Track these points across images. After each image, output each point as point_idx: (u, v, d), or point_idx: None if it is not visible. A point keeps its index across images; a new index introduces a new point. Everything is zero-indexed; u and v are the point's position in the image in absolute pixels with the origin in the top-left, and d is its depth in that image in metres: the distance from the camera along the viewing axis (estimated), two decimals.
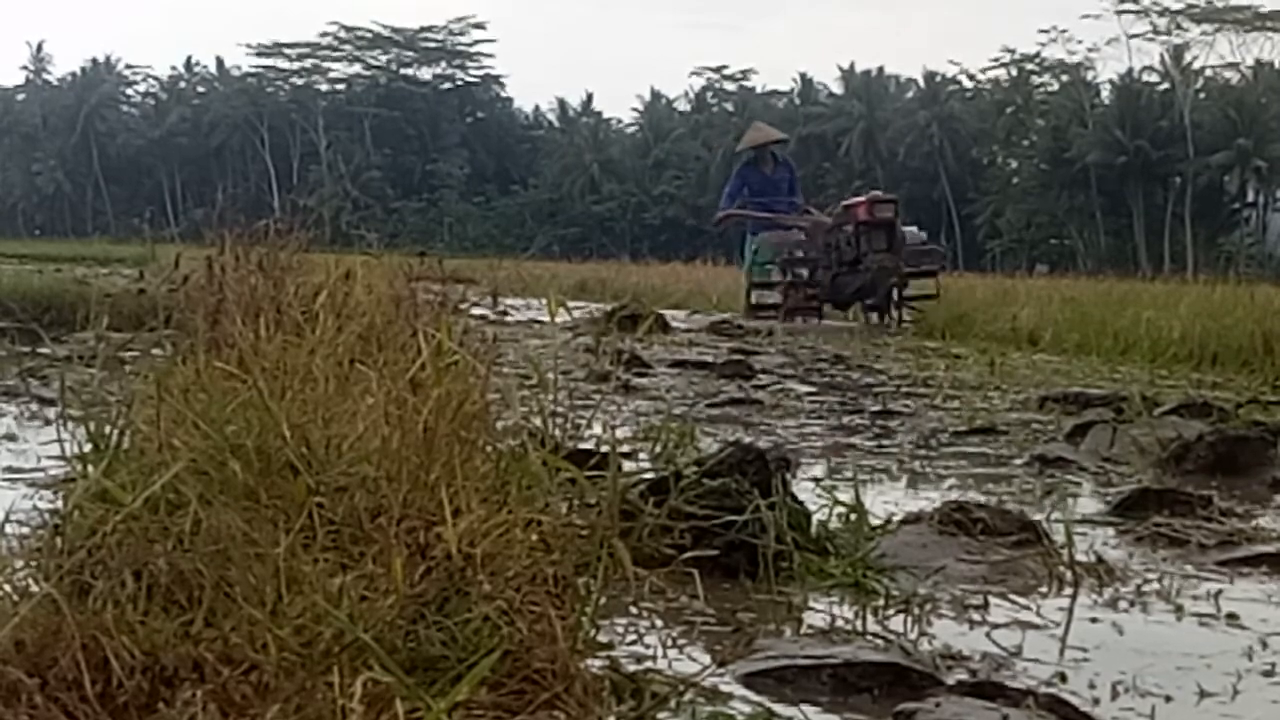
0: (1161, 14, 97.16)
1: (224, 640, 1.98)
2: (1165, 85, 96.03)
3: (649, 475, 3.42)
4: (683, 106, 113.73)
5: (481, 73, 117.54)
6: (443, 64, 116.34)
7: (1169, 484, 4.62)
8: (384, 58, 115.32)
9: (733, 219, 18.97)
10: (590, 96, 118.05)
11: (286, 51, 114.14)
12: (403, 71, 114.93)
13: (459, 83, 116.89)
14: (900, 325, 16.14)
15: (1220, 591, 3.32)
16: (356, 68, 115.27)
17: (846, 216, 16.95)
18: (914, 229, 17.37)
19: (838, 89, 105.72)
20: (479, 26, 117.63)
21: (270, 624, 2.02)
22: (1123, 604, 3.21)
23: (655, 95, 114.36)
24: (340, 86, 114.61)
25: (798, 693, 2.47)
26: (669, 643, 2.73)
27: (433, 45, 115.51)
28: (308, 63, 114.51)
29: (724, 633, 2.82)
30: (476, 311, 4.43)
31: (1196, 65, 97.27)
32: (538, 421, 3.30)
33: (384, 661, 1.98)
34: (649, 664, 2.52)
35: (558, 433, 3.31)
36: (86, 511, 2.39)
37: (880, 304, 16.60)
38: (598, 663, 2.36)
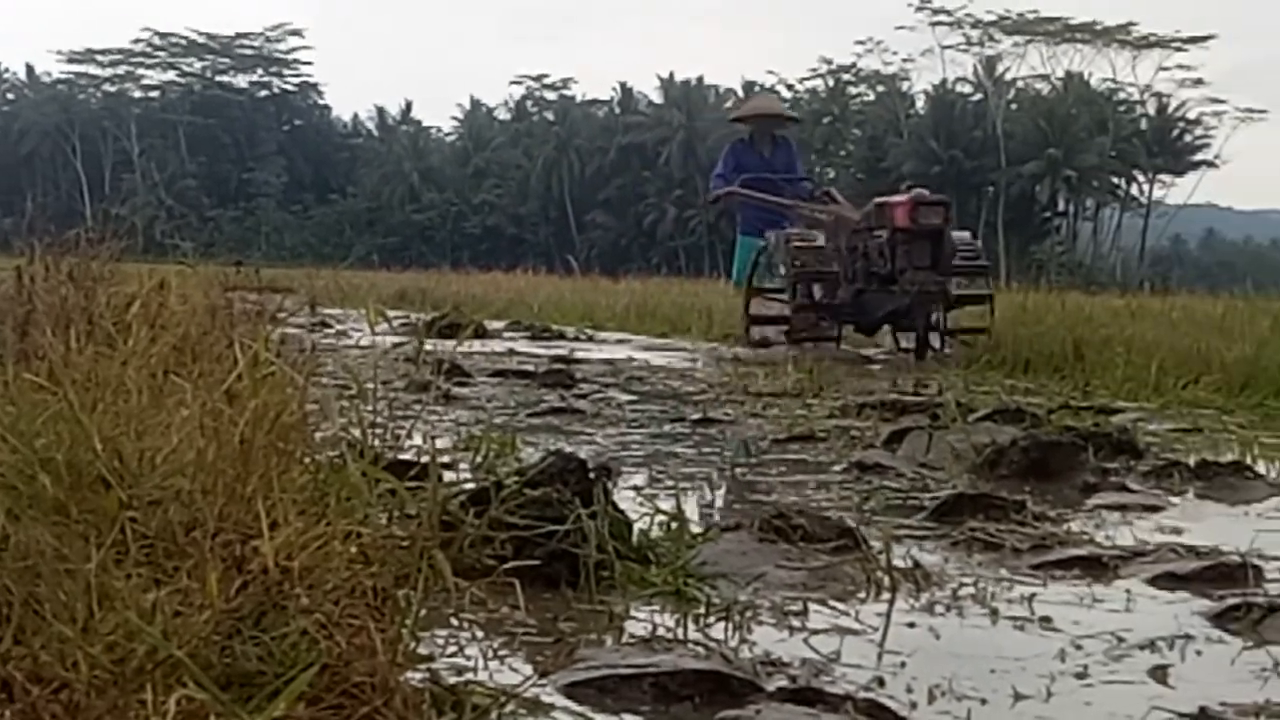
0: (974, 26, 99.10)
1: (33, 659, 1.94)
2: (978, 96, 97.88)
3: (470, 485, 3.41)
4: (503, 115, 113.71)
5: (299, 80, 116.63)
6: (259, 71, 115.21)
7: (984, 489, 4.69)
8: (199, 65, 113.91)
9: (735, 198, 14.90)
10: (409, 104, 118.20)
11: (98, 58, 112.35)
12: (218, 79, 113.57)
13: (276, 90, 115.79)
14: (943, 355, 12.57)
15: (1034, 595, 3.38)
16: (171, 75, 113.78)
17: (880, 218, 12.85)
18: (966, 235, 13.59)
19: (657, 98, 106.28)
20: (296, 34, 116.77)
21: (81, 641, 1.98)
22: (939, 608, 3.24)
23: (475, 104, 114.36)
24: (154, 94, 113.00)
25: (619, 702, 2.47)
26: (490, 654, 2.72)
27: (249, 52, 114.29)
28: (120, 69, 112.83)
29: (545, 643, 2.81)
30: (294, 321, 4.39)
31: (1008, 76, 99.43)
32: (357, 432, 3.27)
33: (198, 678, 1.95)
34: (470, 676, 2.50)
35: (377, 443, 3.28)
36: None
37: (919, 333, 12.68)
38: (418, 675, 2.34)
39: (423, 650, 2.53)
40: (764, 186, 14.62)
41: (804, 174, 15.71)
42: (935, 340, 12.70)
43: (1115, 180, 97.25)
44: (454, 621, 2.88)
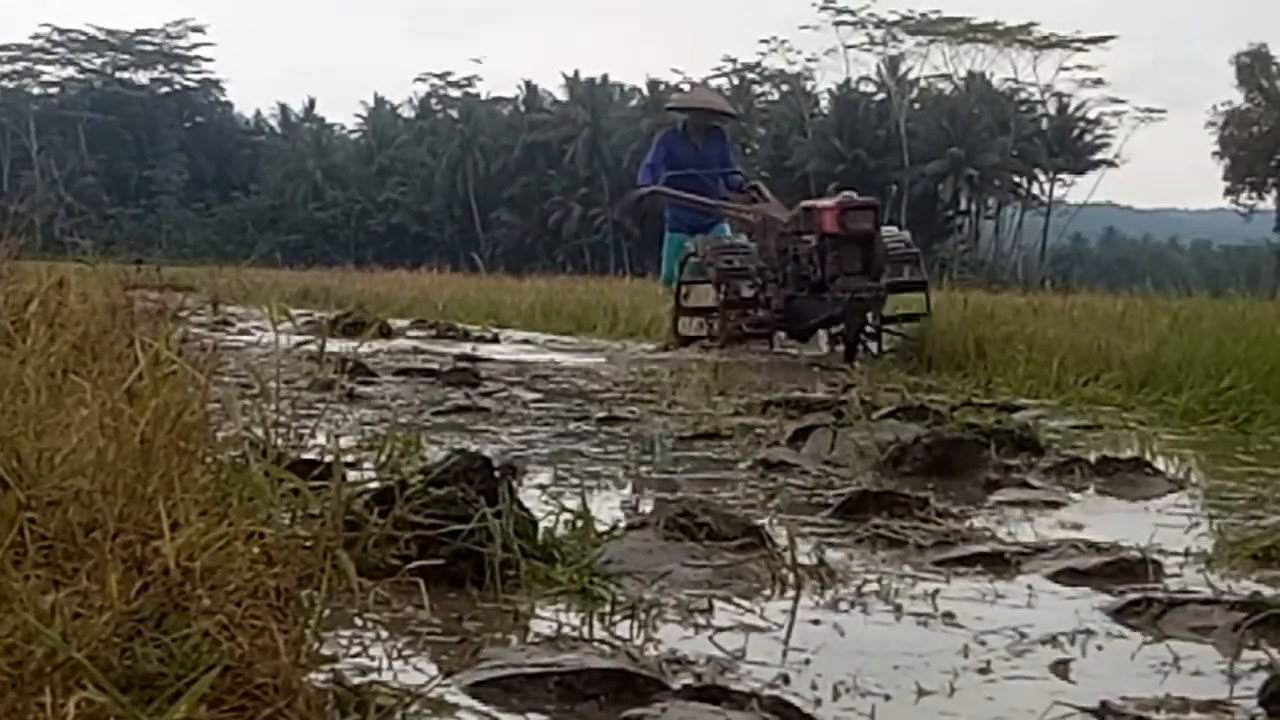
0: (877, 25, 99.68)
1: None
2: (882, 95, 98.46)
3: (374, 485, 3.39)
4: (407, 113, 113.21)
5: (200, 77, 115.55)
6: (160, 67, 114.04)
7: (887, 486, 4.71)
8: (99, 61, 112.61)
9: (660, 198, 14.28)
10: (313, 102, 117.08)
11: None
12: (119, 75, 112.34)
13: (177, 87, 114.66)
14: (880, 356, 12.14)
15: (937, 591, 3.40)
16: (70, 71, 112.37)
17: (808, 223, 12.37)
18: (893, 229, 13.03)
19: (563, 96, 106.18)
20: (198, 30, 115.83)
21: None
22: (843, 605, 3.26)
23: (379, 101, 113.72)
24: (53, 90, 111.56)
25: (524, 702, 2.46)
26: (394, 654, 2.70)
27: (150, 48, 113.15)
28: (19, 65, 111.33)
29: (450, 643, 2.80)
30: (196, 320, 4.35)
31: (911, 76, 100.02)
32: (259, 431, 3.25)
33: (98, 680, 1.92)
34: (374, 676, 2.49)
35: (280, 443, 3.26)
36: None
37: (849, 337, 12.18)
38: (321, 676, 2.32)
39: (326, 651, 2.52)
40: (692, 183, 14.07)
41: (736, 167, 15.08)
42: (872, 345, 12.41)
43: (1017, 179, 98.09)
44: (358, 622, 2.86)
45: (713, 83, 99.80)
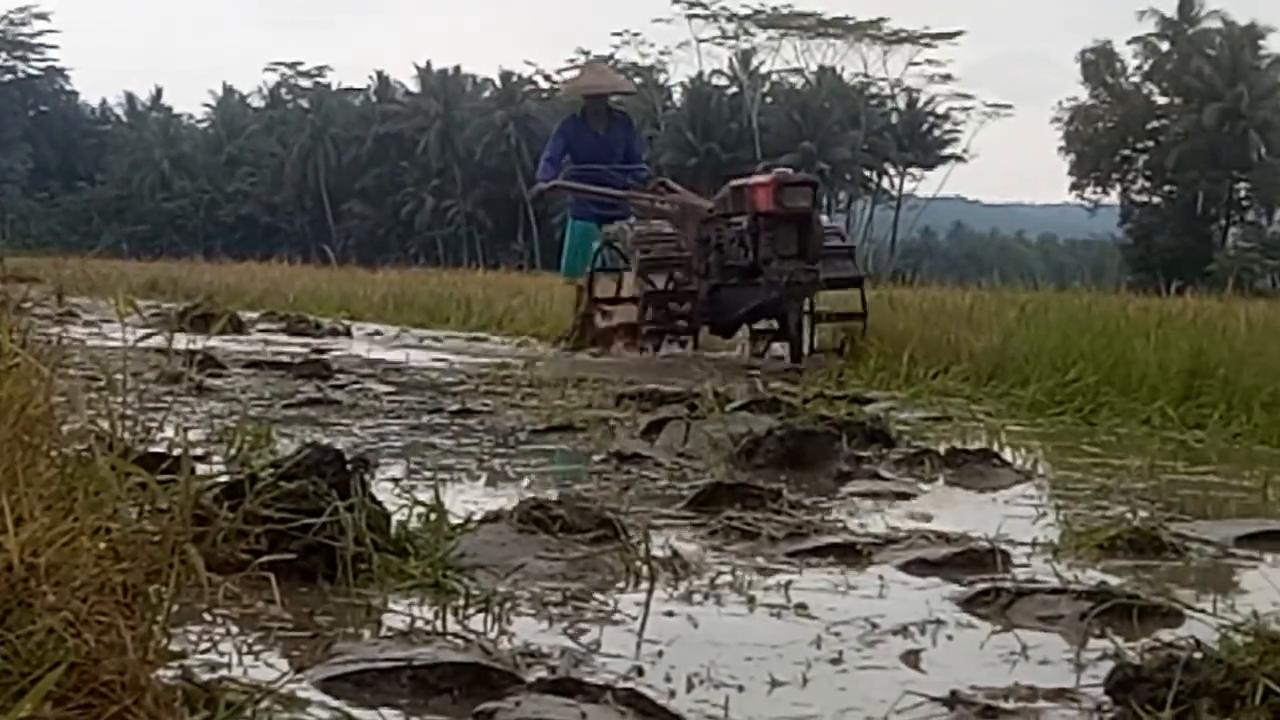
0: (730, 19, 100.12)
1: None
2: (734, 89, 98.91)
3: (223, 478, 3.34)
4: (257, 102, 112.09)
5: (45, 65, 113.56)
6: (3, 55, 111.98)
7: (741, 478, 4.73)
8: None
9: (561, 191, 13.51)
10: (160, 91, 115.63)
11: None
12: None
13: (21, 74, 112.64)
14: (810, 357, 11.14)
15: (790, 582, 3.42)
16: None
17: (739, 203, 11.37)
18: (825, 219, 12.22)
19: (415, 87, 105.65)
20: (42, 17, 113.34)
21: None
22: (697, 597, 3.27)
23: (228, 90, 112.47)
24: None
25: (377, 696, 2.44)
26: (245, 650, 2.67)
27: None
28: None
29: (302, 638, 2.78)
30: (40, 311, 4.26)
31: (764, 70, 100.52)
32: (106, 425, 3.19)
33: None
34: (224, 672, 2.45)
35: (127, 436, 3.21)
36: None
37: (791, 330, 11.16)
38: (170, 673, 2.29)
39: (175, 647, 2.48)
40: (596, 178, 13.07)
41: (643, 152, 14.32)
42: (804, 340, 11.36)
43: (867, 173, 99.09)
44: (207, 617, 2.83)
45: (567, 75, 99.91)
